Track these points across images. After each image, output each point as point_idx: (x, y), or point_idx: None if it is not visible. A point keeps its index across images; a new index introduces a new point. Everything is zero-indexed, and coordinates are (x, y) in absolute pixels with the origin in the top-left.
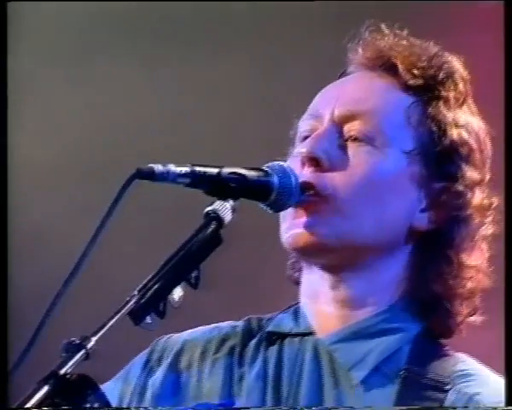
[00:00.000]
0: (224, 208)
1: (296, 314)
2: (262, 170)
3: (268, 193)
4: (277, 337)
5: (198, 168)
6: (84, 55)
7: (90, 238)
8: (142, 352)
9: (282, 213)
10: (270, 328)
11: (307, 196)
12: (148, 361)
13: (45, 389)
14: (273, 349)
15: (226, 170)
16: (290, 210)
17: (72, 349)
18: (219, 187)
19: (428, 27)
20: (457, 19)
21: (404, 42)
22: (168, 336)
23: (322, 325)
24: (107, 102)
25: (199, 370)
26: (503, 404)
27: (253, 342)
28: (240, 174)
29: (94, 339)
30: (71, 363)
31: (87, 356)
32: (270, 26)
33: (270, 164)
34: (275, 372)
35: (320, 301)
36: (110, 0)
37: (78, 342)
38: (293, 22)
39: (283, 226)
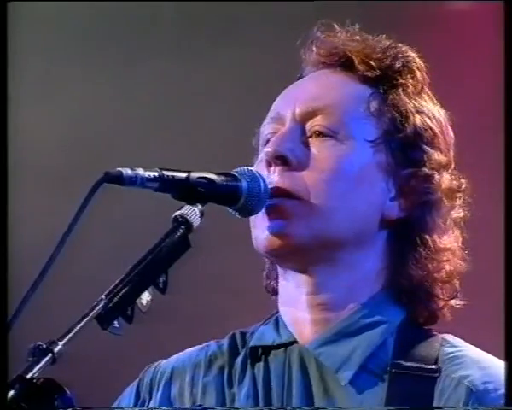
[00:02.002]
0: (193, 213)
1: (277, 325)
2: (231, 175)
3: (237, 198)
4: (262, 351)
5: (166, 173)
6: (84, 56)
7: (56, 243)
8: (131, 384)
9: (251, 219)
10: (252, 343)
11: (278, 199)
12: (138, 394)
13: (11, 393)
14: (260, 365)
15: (195, 174)
16: (260, 214)
17: (39, 353)
18: (188, 191)
19: (428, 27)
20: (457, 19)
21: (357, 37)
22: (156, 364)
23: (304, 332)
24: (105, 102)
25: (191, 396)
26: (499, 390)
27: (239, 359)
28: (208, 179)
29: (61, 343)
30: (37, 367)
31: (54, 360)
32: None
33: (238, 169)
34: (264, 389)
35: (299, 308)
36: (109, 0)
37: (44, 346)
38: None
39: (255, 232)
